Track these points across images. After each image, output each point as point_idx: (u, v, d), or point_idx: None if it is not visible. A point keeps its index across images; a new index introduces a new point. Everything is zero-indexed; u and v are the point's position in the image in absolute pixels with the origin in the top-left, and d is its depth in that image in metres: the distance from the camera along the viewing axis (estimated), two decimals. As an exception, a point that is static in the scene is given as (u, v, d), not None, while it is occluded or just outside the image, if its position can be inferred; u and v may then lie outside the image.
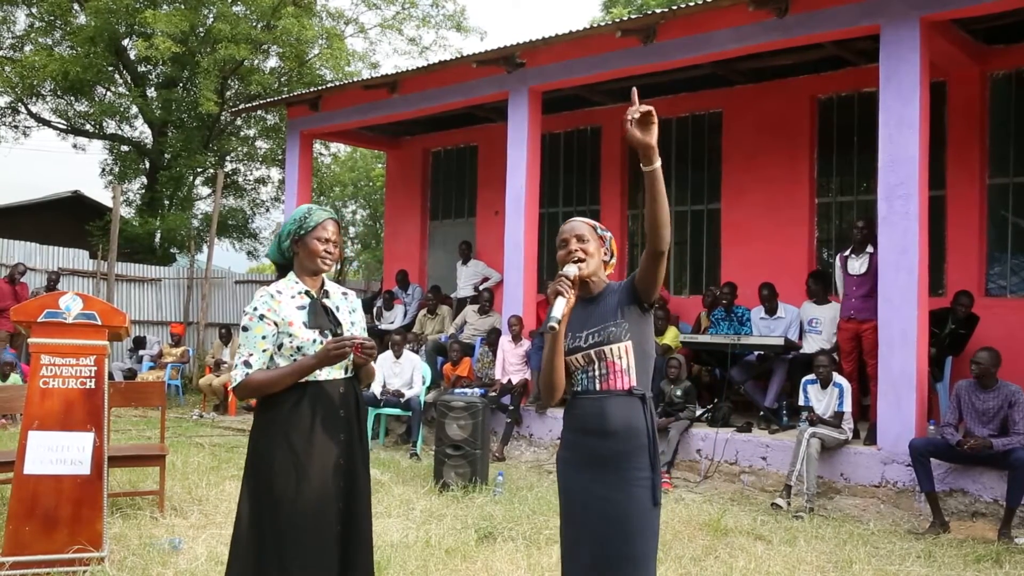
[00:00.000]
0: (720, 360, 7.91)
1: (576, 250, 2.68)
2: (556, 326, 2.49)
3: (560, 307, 2.51)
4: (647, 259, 2.56)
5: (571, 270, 2.62)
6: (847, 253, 7.42)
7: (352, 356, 2.89)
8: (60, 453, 4.44)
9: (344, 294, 3.15)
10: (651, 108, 2.39)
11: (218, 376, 11.38)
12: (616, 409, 2.59)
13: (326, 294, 3.06)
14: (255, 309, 2.91)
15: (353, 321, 3.07)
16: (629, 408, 2.59)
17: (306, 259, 3.00)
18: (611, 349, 2.62)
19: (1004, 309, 7.82)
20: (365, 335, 3.06)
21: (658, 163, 2.43)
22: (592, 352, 2.64)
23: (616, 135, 10.68)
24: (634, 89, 2.49)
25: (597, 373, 2.64)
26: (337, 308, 3.06)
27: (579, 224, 2.75)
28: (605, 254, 2.76)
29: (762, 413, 7.71)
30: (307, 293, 3.01)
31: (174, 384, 12.16)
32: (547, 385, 2.68)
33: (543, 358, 2.66)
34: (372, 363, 3.07)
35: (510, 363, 8.86)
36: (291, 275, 3.03)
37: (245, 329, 2.92)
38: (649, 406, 2.64)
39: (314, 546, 2.82)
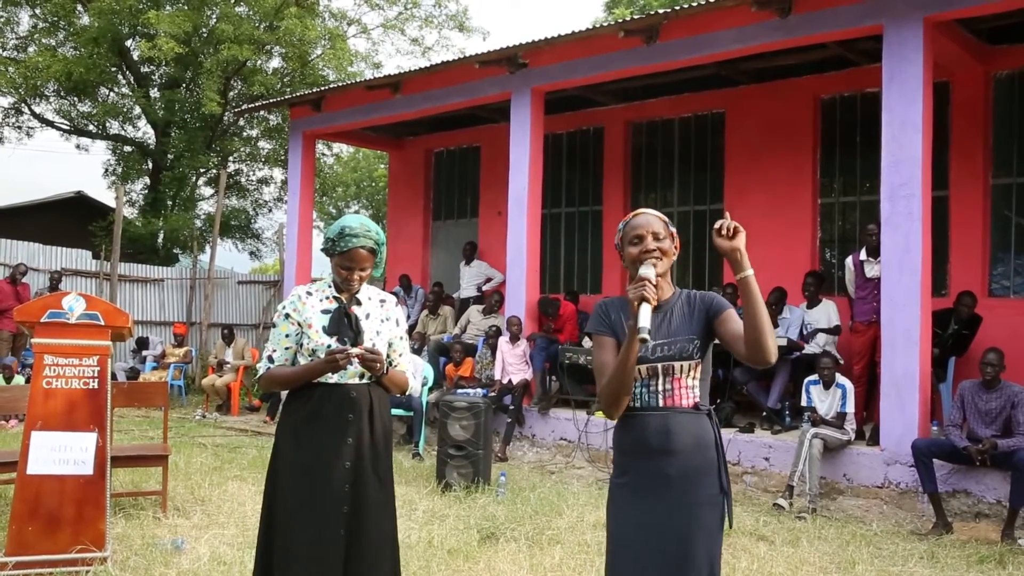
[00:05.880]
0: (723, 361, 7.90)
1: (654, 249, 2.47)
2: (648, 337, 2.26)
3: (647, 314, 2.28)
4: (744, 353, 2.39)
5: (650, 272, 2.39)
6: (863, 257, 7.29)
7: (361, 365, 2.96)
8: (63, 453, 4.45)
9: (382, 302, 3.16)
10: (738, 225, 2.39)
11: (221, 376, 11.39)
12: (682, 426, 2.43)
13: (357, 301, 3.08)
14: (283, 308, 3.06)
15: (379, 331, 3.08)
16: (697, 424, 2.44)
17: (334, 273, 3.07)
18: (681, 366, 2.46)
19: (1007, 309, 7.80)
20: (403, 345, 3.15)
21: (750, 271, 2.34)
22: (659, 366, 2.46)
23: (619, 135, 10.68)
24: (727, 215, 2.45)
25: (660, 388, 2.46)
26: (367, 316, 3.08)
27: (654, 219, 2.52)
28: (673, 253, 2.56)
29: (765, 414, 7.69)
30: (336, 298, 3.06)
31: (177, 384, 12.17)
32: (615, 396, 2.43)
33: (614, 367, 2.40)
34: (404, 372, 3.14)
35: (509, 363, 8.86)
36: (329, 277, 3.14)
37: (274, 325, 3.08)
38: (715, 421, 2.51)
39: (315, 543, 2.86)
